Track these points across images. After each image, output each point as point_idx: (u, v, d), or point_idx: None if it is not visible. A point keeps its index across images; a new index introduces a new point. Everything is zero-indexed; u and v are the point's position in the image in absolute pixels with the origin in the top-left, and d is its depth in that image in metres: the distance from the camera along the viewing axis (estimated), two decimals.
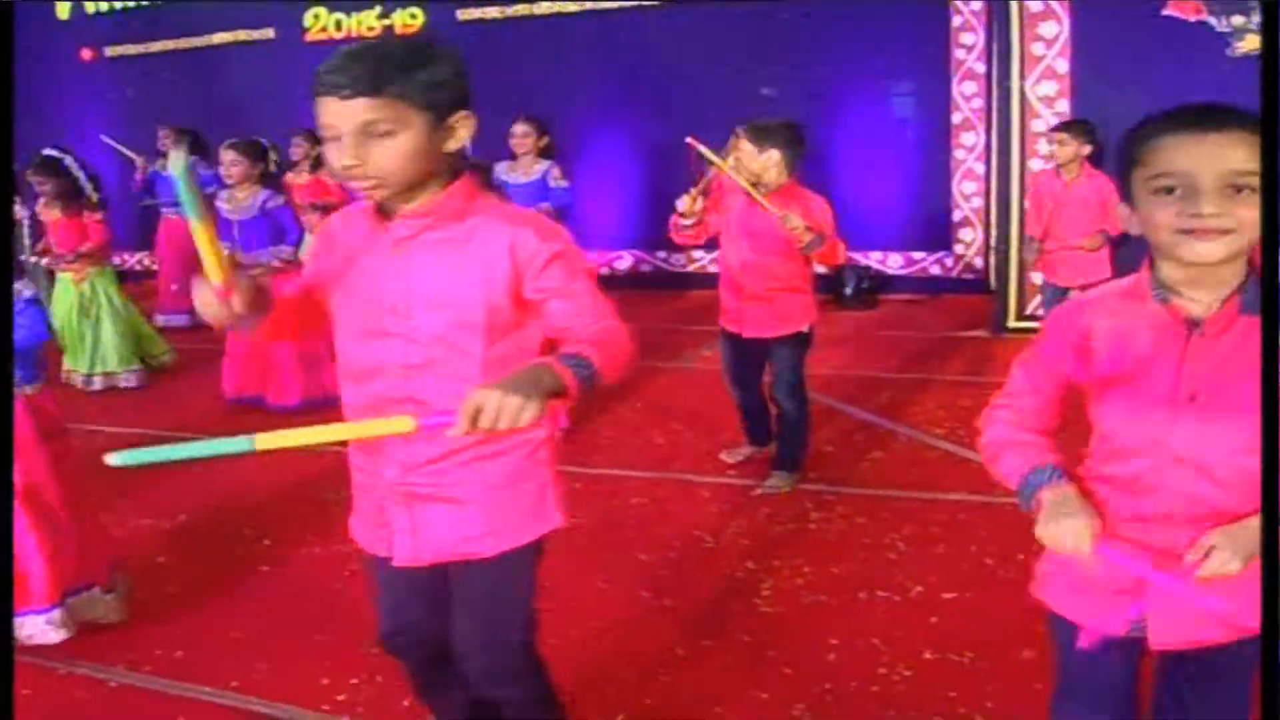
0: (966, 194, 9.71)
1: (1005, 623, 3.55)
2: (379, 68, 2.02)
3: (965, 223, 9.76)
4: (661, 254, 10.53)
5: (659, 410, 6.42)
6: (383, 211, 2.21)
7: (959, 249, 9.85)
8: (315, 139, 9.11)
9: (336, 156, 2.07)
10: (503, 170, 7.78)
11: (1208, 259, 1.83)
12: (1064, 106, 7.96)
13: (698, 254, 10.20)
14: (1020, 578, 3.82)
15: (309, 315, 2.37)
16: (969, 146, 9.48)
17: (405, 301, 2.20)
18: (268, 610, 3.99)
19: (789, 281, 4.98)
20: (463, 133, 2.16)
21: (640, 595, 4.00)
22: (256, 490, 5.14)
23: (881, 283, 9.91)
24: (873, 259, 9.98)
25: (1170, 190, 1.84)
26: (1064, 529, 1.89)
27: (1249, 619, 1.97)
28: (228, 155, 6.81)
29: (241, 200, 6.76)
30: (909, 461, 5.42)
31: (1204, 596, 1.87)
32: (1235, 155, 1.80)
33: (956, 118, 9.41)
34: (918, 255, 10.08)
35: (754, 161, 4.86)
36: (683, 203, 4.84)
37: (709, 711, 3.23)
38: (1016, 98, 8.08)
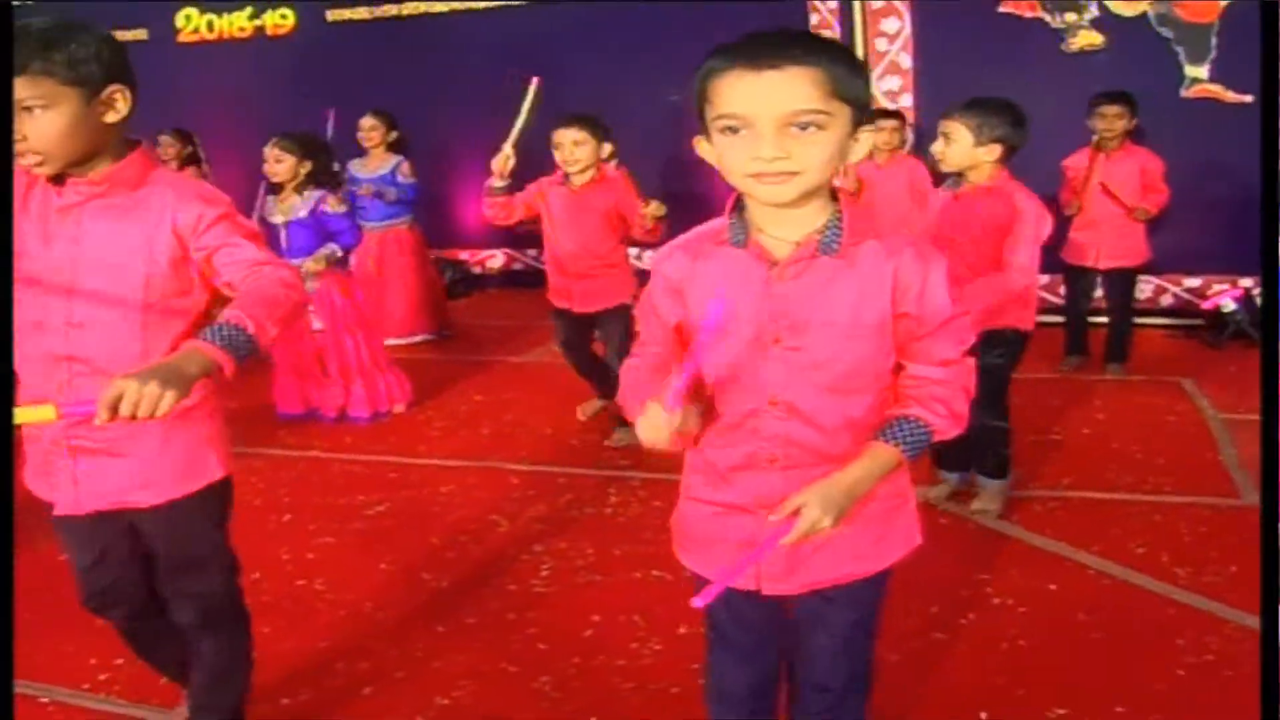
0: None
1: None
2: (20, 49, 2.09)
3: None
4: (532, 252, 10.52)
5: (496, 403, 6.45)
6: (54, 180, 2.28)
7: None
8: (185, 138, 9.10)
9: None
10: (355, 165, 7.83)
11: (777, 200, 1.82)
12: (908, 101, 8.09)
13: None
14: None
15: None
16: None
17: (69, 263, 2.28)
18: (50, 593, 3.98)
19: (609, 260, 5.44)
20: (121, 105, 2.24)
21: (421, 577, 4.04)
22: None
23: None
24: None
25: (735, 130, 1.79)
26: (650, 417, 1.82)
27: (863, 565, 2.06)
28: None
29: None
30: None
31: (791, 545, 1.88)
32: (796, 94, 1.74)
33: None
34: None
35: (592, 152, 5.35)
36: (497, 161, 5.37)
37: (455, 684, 3.28)
38: None
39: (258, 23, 11.05)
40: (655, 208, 5.23)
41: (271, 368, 6.15)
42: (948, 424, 1.95)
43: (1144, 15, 7.50)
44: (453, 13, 10.22)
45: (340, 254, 6.12)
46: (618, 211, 5.35)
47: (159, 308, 2.33)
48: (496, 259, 10.73)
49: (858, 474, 1.90)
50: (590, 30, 9.62)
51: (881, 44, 8.14)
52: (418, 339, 8.18)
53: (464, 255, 10.67)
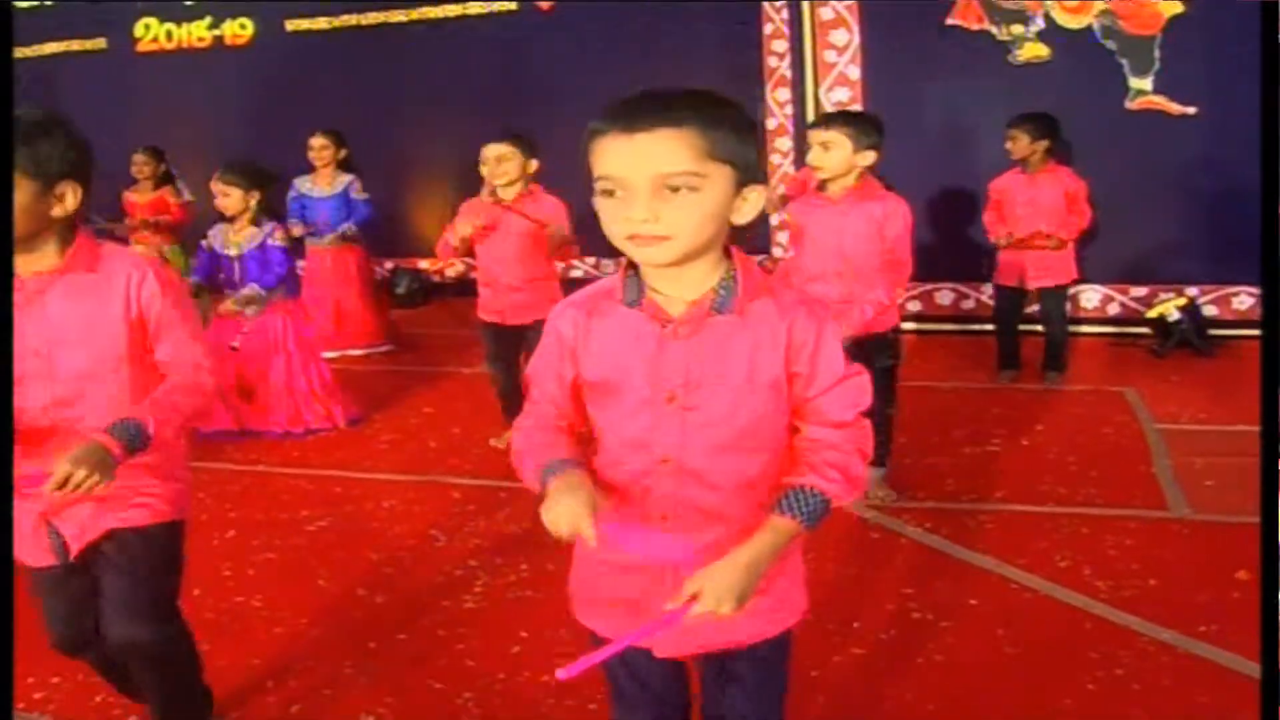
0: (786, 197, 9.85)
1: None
2: None
3: (782, 226, 9.89)
4: None
5: (443, 415, 6.50)
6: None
7: (777, 252, 9.99)
8: (158, 155, 9.07)
9: None
10: (303, 183, 7.87)
11: (653, 262, 1.81)
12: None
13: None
14: None
15: None
16: (784, 151, 9.60)
17: (46, 346, 2.49)
18: None
19: (539, 274, 5.61)
20: (70, 201, 2.46)
21: (356, 592, 4.09)
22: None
23: None
24: None
25: (611, 193, 1.78)
26: (563, 508, 1.79)
27: (757, 629, 2.04)
28: None
29: None
30: None
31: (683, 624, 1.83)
32: (666, 156, 1.72)
33: (771, 123, 9.53)
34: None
35: (520, 167, 5.51)
36: (461, 229, 5.50)
37: (380, 701, 3.33)
38: (812, 104, 8.28)
39: (216, 32, 11.08)
40: (555, 229, 5.42)
41: None
42: (844, 489, 1.91)
43: (1089, 28, 7.60)
44: (412, 22, 10.25)
45: (262, 294, 6.16)
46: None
47: (142, 365, 2.57)
48: (455, 267, 10.75)
49: (755, 551, 1.85)
50: (552, 37, 9.68)
51: (830, 55, 8.23)
52: (370, 351, 8.24)
53: (422, 264, 10.69)
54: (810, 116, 8.21)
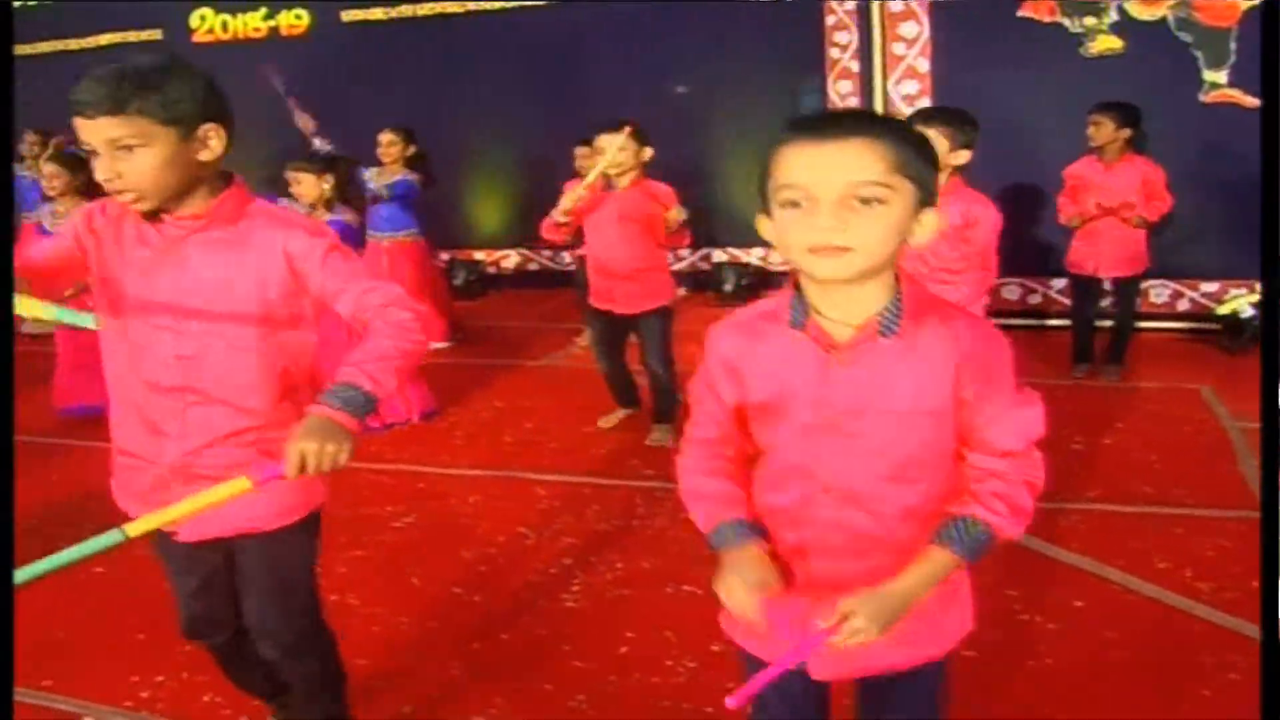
0: None
1: None
2: (119, 88, 2.16)
3: None
4: (547, 252, 10.57)
5: (517, 410, 6.50)
6: (149, 215, 2.34)
7: None
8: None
9: (98, 171, 2.22)
10: (370, 174, 7.86)
11: (834, 276, 1.75)
12: (926, 105, 8.10)
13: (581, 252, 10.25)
14: None
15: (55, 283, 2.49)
16: None
17: (177, 297, 2.35)
18: (99, 610, 4.03)
19: (649, 263, 5.58)
20: (215, 144, 2.31)
21: (452, 591, 4.09)
22: (76, 493, 5.12)
23: (763, 279, 10.00)
24: (753, 256, 10.07)
25: (795, 204, 1.73)
26: (734, 591, 1.83)
27: (922, 651, 2.01)
28: (47, 168, 6.65)
29: (61, 214, 6.56)
30: None
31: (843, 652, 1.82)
32: (857, 165, 1.69)
33: None
34: None
35: (634, 155, 5.49)
36: (568, 199, 5.41)
37: (491, 703, 3.33)
38: (880, 97, 8.23)
39: (272, 23, 11.09)
40: (676, 213, 5.42)
41: None
42: (1009, 521, 1.86)
43: (1163, 20, 7.52)
44: (469, 13, 10.25)
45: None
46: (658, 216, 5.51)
47: (272, 339, 2.42)
48: (511, 259, 10.77)
49: (912, 582, 1.84)
50: (611, 29, 9.65)
51: (899, 48, 8.17)
52: (437, 346, 8.22)
53: (479, 255, 10.71)
54: (879, 109, 8.17)
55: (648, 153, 5.55)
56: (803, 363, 1.85)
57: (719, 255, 9.90)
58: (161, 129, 2.20)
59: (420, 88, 10.07)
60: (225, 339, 2.37)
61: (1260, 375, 1.95)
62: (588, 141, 6.72)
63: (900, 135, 1.74)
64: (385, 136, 7.92)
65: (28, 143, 9.73)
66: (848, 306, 1.82)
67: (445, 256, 10.41)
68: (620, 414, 6.06)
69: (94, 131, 2.17)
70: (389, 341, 2.28)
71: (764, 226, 1.86)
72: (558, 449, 5.72)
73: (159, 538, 2.52)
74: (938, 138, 4.34)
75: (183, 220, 2.34)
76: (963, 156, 4.44)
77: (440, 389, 6.58)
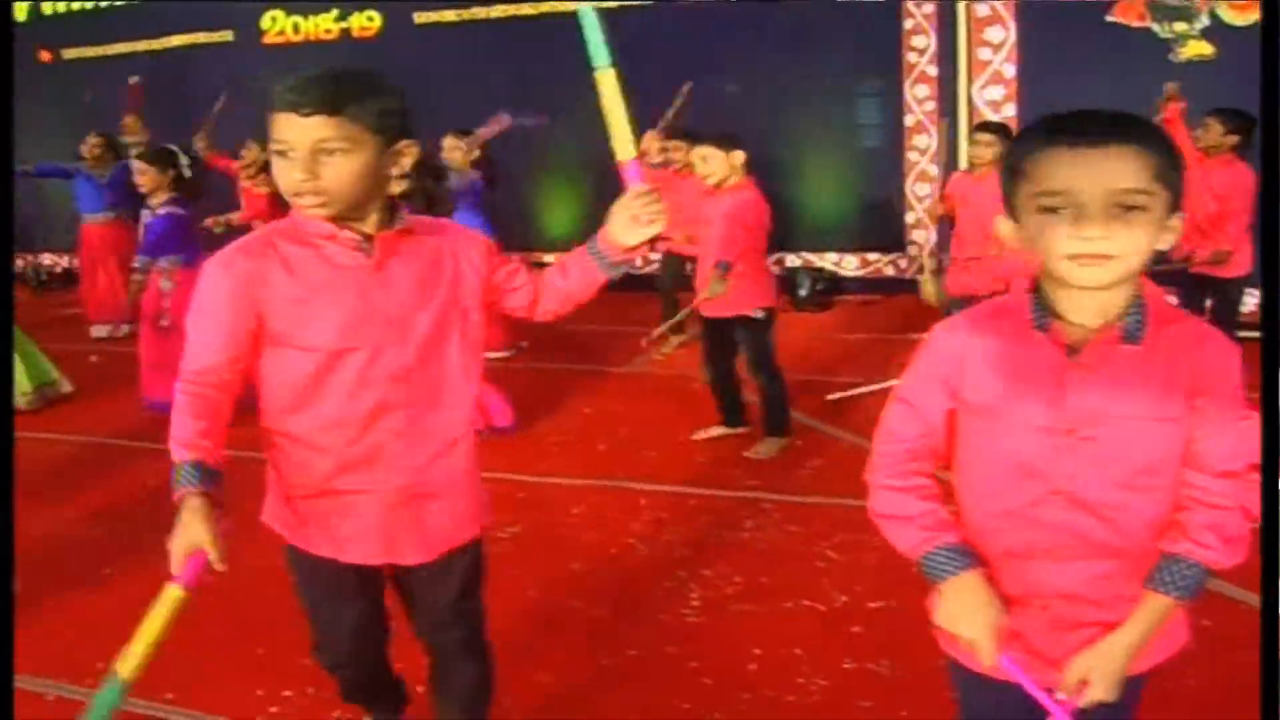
0: (920, 196, 9.65)
1: (924, 632, 3.59)
2: (337, 90, 2.15)
3: (919, 224, 9.79)
4: None
5: (605, 416, 6.47)
6: (314, 231, 2.29)
7: (913, 250, 9.89)
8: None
9: (287, 172, 2.18)
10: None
11: (1093, 284, 1.74)
12: (1011, 110, 8.06)
13: (653, 256, 10.22)
14: None
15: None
16: (922, 149, 9.49)
17: (397, 311, 2.32)
18: (211, 622, 4.01)
19: (741, 266, 5.47)
20: (406, 160, 2.30)
21: (570, 605, 4.05)
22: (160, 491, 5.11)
23: (836, 285, 9.95)
24: (827, 261, 10.03)
25: (1053, 210, 1.71)
26: (964, 624, 1.85)
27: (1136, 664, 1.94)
28: (136, 165, 6.72)
29: (155, 206, 6.67)
30: (848, 468, 5.39)
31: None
32: (1122, 172, 1.67)
33: (909, 120, 9.43)
34: (872, 257, 10.08)
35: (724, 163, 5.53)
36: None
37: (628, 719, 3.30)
38: (964, 101, 8.16)
39: (344, 25, 11.14)
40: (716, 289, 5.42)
41: None
42: (1222, 554, 1.81)
43: (1256, 25, 7.41)
44: (542, 15, 10.23)
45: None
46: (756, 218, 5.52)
47: (465, 342, 2.43)
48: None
49: (1135, 634, 1.84)
50: (685, 32, 9.63)
51: (985, 53, 8.12)
52: (510, 353, 8.18)
53: (547, 259, 10.69)
54: (962, 114, 8.11)
55: (739, 155, 5.54)
56: (1040, 364, 1.83)
57: (793, 260, 9.84)
58: (370, 137, 2.18)
59: (492, 90, 10.04)
60: (436, 351, 2.37)
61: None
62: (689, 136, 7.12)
63: (1158, 140, 1.73)
64: (449, 141, 7.89)
65: (89, 144, 9.74)
66: (1091, 310, 1.80)
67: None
68: (719, 431, 5.96)
69: (302, 130, 2.13)
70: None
71: (1005, 227, 1.84)
72: (656, 458, 5.68)
73: (310, 566, 2.51)
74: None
75: (388, 237, 2.32)
76: None
77: (522, 396, 6.54)
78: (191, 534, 2.13)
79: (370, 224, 2.31)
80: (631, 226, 2.44)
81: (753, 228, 5.50)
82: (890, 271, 10.07)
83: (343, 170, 2.17)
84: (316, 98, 2.12)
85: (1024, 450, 1.87)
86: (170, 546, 2.13)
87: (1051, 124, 1.76)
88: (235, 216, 8.88)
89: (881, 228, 9.90)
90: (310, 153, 2.14)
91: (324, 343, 2.30)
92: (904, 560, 4.24)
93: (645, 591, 4.15)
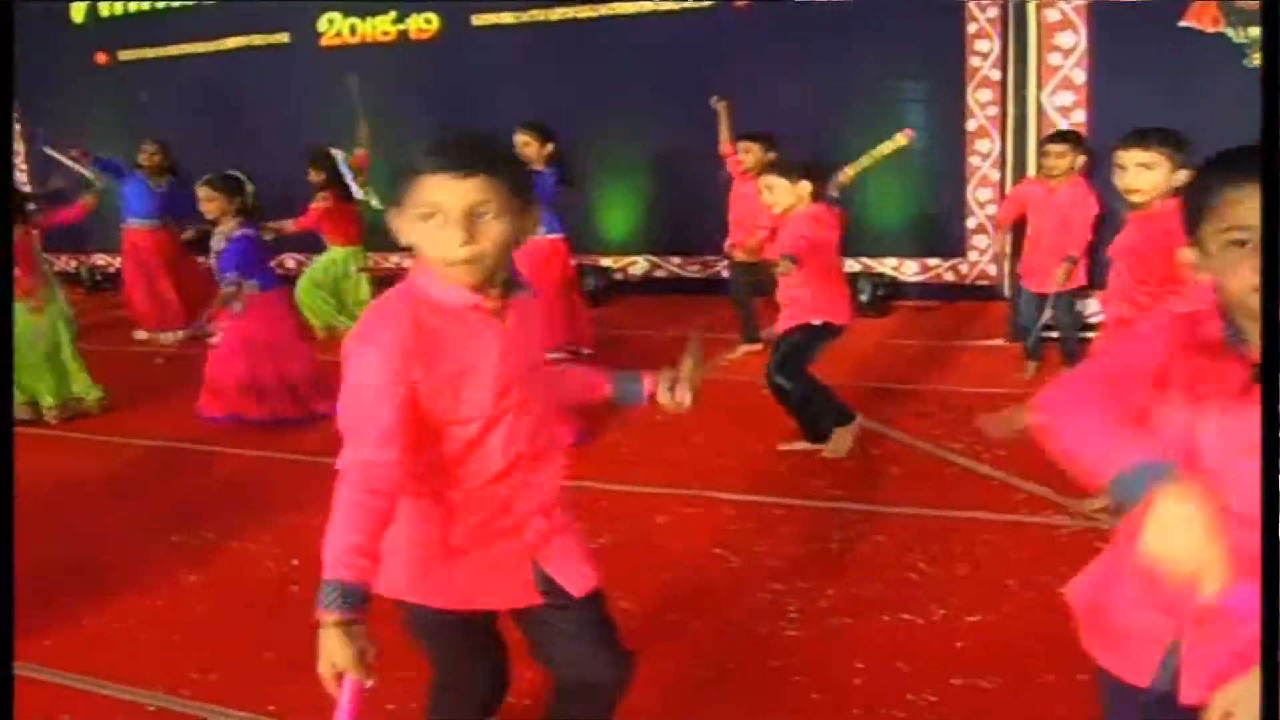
0: (981, 201, 9.59)
1: (1027, 646, 3.60)
2: (491, 153, 2.16)
3: (980, 230, 9.72)
4: (676, 260, 10.55)
5: (678, 424, 6.32)
6: (458, 301, 2.25)
7: (973, 256, 9.82)
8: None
9: (440, 237, 2.14)
10: None
11: None
12: (1080, 116, 7.99)
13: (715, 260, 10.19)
14: (1040, 600, 3.91)
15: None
16: (984, 154, 9.43)
17: (521, 371, 2.33)
18: (303, 631, 4.01)
19: (793, 283, 5.63)
20: (530, 225, 2.28)
21: (666, 618, 4.03)
22: (280, 515, 5.16)
23: (895, 290, 9.91)
24: (887, 266, 9.98)
25: (1242, 244, 1.75)
26: (1201, 540, 1.67)
27: None
28: (202, 191, 6.73)
29: (224, 233, 6.73)
30: (926, 477, 5.42)
31: None
32: None
33: (971, 124, 9.37)
34: (932, 262, 10.01)
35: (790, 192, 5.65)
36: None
37: None
38: (1033, 107, 8.10)
39: (401, 27, 11.15)
40: (784, 266, 5.42)
41: None
42: None
43: None
44: (601, 17, 10.22)
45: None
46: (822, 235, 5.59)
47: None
48: (638, 265, 10.75)
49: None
50: (745, 35, 9.62)
51: (1055, 59, 8.04)
52: (572, 353, 8.11)
53: (606, 262, 10.69)
54: (1031, 121, 8.06)
55: (805, 186, 5.60)
56: (1224, 383, 1.84)
57: (852, 265, 9.80)
58: (514, 200, 2.18)
59: (551, 93, 10.04)
60: (542, 405, 2.40)
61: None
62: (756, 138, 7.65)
63: None
64: (520, 136, 7.65)
65: (147, 153, 9.77)
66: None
67: (573, 263, 10.39)
68: (801, 445, 5.89)
69: (458, 193, 2.10)
70: None
71: (1188, 256, 1.87)
72: (735, 467, 5.65)
73: (451, 624, 2.51)
74: (1160, 159, 4.28)
75: (511, 298, 2.31)
76: (1181, 177, 4.31)
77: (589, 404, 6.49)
78: (334, 659, 2.08)
79: (498, 288, 2.29)
80: (667, 392, 2.73)
81: (817, 244, 5.50)
82: (950, 277, 9.99)
83: (495, 233, 2.15)
84: (472, 160, 2.11)
85: (1205, 465, 1.85)
86: (319, 669, 2.10)
87: (1232, 161, 1.79)
88: (288, 224, 8.84)
89: (942, 233, 9.83)
90: (466, 215, 2.11)
91: (479, 414, 2.28)
92: (995, 574, 4.24)
93: (739, 603, 4.12)
